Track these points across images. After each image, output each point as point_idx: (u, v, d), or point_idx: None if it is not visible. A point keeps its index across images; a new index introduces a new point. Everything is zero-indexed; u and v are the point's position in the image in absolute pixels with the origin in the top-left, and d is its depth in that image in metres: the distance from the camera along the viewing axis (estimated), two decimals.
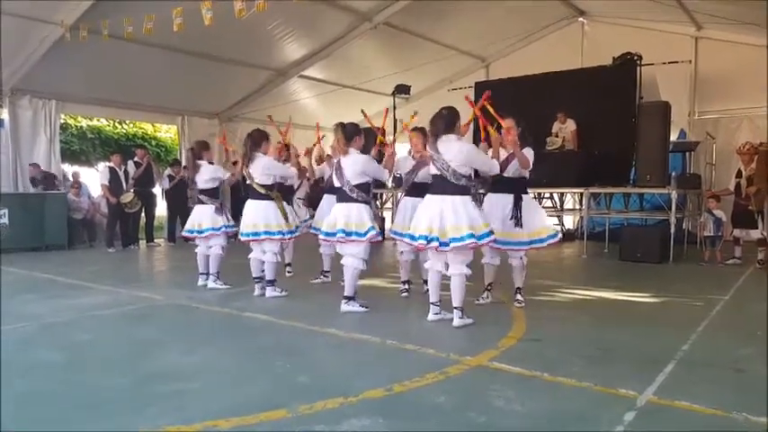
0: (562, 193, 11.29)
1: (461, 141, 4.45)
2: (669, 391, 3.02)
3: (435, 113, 4.49)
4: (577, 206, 11.15)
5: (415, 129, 5.54)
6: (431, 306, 4.57)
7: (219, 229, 6.06)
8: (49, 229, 9.79)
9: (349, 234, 4.86)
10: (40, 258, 8.79)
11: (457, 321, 4.38)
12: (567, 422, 2.67)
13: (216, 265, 6.13)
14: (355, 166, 4.92)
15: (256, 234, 5.51)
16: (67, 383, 3.24)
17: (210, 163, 6.33)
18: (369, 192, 5.02)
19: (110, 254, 9.66)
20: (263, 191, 5.55)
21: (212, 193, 6.18)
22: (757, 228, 7.82)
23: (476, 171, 4.63)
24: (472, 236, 4.22)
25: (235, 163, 7.18)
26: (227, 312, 5.03)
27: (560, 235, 5.24)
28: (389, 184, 11.14)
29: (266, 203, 5.56)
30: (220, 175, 6.20)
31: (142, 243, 10.86)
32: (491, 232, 4.37)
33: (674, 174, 8.59)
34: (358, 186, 4.92)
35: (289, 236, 5.73)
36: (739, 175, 8.06)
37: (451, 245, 4.23)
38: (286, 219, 5.65)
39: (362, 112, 6.22)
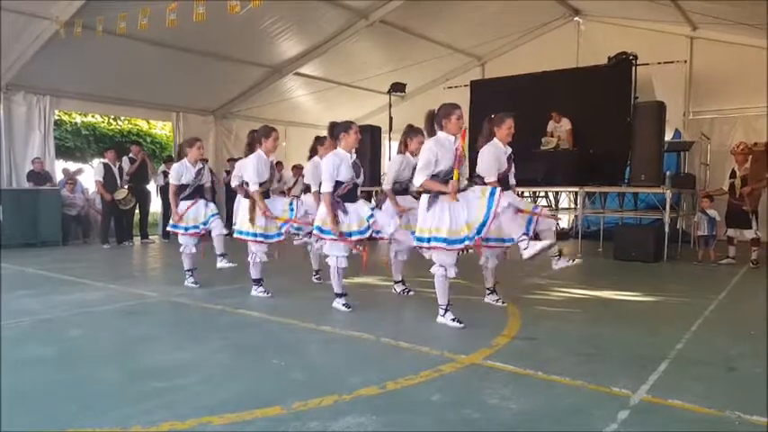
0: (557, 192, 11.32)
1: (426, 142, 4.43)
2: (662, 389, 3.03)
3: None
4: (572, 205, 11.17)
5: (416, 130, 5.47)
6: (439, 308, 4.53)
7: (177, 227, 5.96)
8: (44, 225, 9.75)
9: (323, 231, 4.86)
10: (34, 255, 8.75)
11: (438, 318, 4.47)
12: (561, 420, 2.67)
13: (184, 263, 6.08)
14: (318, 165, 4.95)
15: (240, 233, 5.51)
16: (60, 379, 3.22)
17: (202, 161, 6.22)
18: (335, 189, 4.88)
19: (104, 250, 9.64)
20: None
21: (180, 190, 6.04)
22: (751, 228, 7.85)
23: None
24: (418, 239, 4.39)
25: (230, 160, 7.15)
26: (221, 309, 5.02)
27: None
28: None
29: (245, 202, 5.53)
30: (170, 180, 6.03)
31: (136, 240, 10.84)
32: (431, 238, 4.31)
33: (668, 173, 8.62)
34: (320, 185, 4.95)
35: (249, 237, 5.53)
36: (733, 175, 8.09)
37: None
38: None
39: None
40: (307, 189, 6.21)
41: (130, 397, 2.92)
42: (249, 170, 5.38)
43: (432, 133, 4.46)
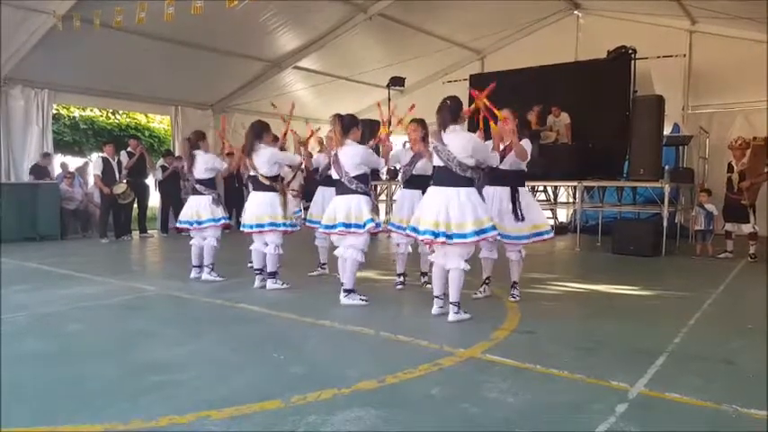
0: (556, 187, 11.32)
1: (467, 132, 4.39)
2: (660, 383, 3.05)
3: (441, 104, 4.38)
4: (571, 199, 11.18)
5: (413, 120, 5.50)
6: (434, 300, 4.51)
7: (219, 220, 6.04)
8: (42, 219, 9.73)
9: (348, 226, 4.84)
10: (33, 249, 8.73)
11: (452, 316, 4.34)
12: (560, 413, 2.68)
13: (211, 256, 6.09)
14: (354, 157, 4.88)
15: (261, 226, 5.48)
16: (59, 375, 3.22)
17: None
18: (367, 183, 4.99)
19: (103, 245, 9.62)
20: (267, 182, 5.51)
21: (209, 184, 6.13)
22: (749, 222, 7.87)
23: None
24: (475, 233, 4.17)
25: (229, 154, 7.14)
26: (221, 304, 5.02)
27: (553, 232, 5.26)
28: (384, 176, 11.13)
29: (271, 195, 5.51)
30: (217, 165, 6.15)
31: (135, 234, 10.83)
32: (494, 227, 4.31)
33: (667, 168, 8.63)
34: (357, 178, 4.89)
35: (291, 228, 5.64)
36: (730, 169, 8.10)
37: (455, 240, 4.18)
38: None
39: (378, 104, 6.30)
40: (324, 182, 6.19)
41: (130, 392, 2.93)
42: (283, 159, 5.69)
43: (447, 125, 4.32)
